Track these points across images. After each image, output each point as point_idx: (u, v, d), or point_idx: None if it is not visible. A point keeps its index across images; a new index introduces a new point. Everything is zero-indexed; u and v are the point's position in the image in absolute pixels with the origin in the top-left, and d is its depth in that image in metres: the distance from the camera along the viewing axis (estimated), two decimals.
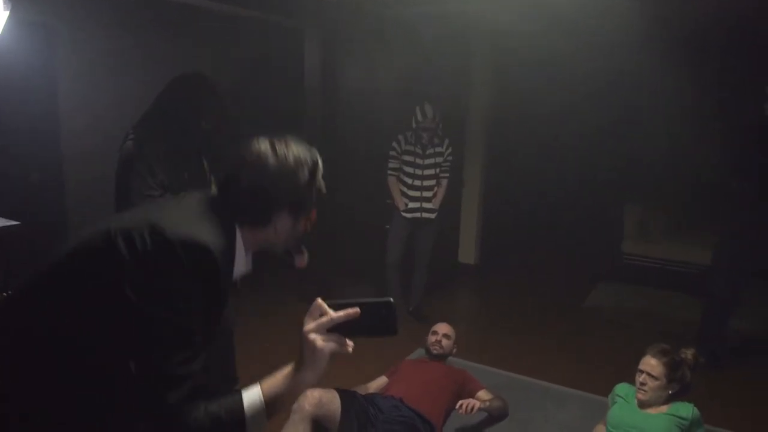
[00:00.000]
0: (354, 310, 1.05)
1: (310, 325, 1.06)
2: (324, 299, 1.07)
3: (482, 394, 2.89)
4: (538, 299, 4.96)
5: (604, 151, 6.03)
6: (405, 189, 4.10)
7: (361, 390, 2.78)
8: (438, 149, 4.09)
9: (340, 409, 2.42)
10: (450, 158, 4.16)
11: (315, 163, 1.27)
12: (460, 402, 2.62)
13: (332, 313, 1.05)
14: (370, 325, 1.06)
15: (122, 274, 1.04)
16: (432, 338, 3.08)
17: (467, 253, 5.46)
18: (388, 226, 4.31)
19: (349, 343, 1.08)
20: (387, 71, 4.90)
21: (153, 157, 2.41)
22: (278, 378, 1.10)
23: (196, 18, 4.37)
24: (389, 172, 4.14)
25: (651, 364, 2.43)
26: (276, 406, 1.08)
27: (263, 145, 1.21)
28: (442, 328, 3.12)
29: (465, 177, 5.23)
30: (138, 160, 2.40)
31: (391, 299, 1.06)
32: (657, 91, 5.44)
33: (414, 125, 4.02)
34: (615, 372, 3.27)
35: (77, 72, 3.96)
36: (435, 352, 3.03)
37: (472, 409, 2.59)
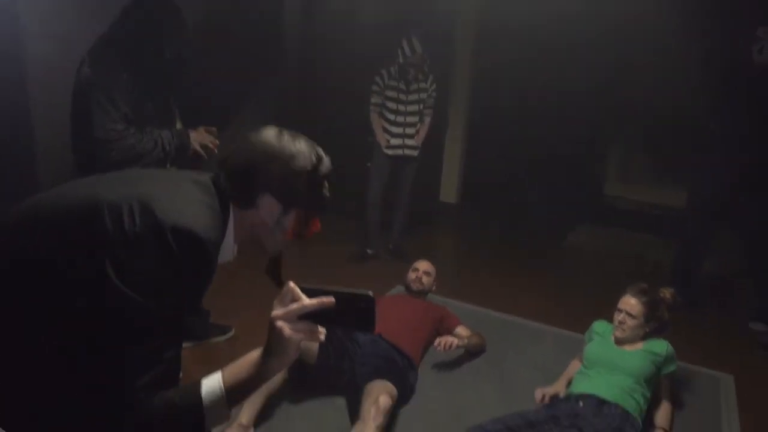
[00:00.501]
0: (329, 300, 0.98)
1: (278, 311, 0.99)
2: (297, 284, 0.99)
3: (460, 330, 2.91)
4: (518, 239, 4.98)
5: (588, 93, 5.93)
6: (387, 125, 4.00)
7: None
8: (422, 85, 3.96)
9: (317, 344, 2.41)
10: (434, 95, 4.05)
11: (319, 160, 1.22)
12: (438, 339, 2.63)
13: (305, 300, 0.98)
14: (346, 317, 0.98)
15: (104, 250, 0.98)
16: (412, 275, 3.07)
17: (448, 192, 5.42)
18: (369, 164, 4.22)
19: (321, 330, 1.01)
20: (369, 4, 4.68)
21: (114, 87, 2.23)
22: (242, 365, 1.04)
23: None
24: (371, 107, 4.02)
25: (630, 303, 2.46)
26: (238, 394, 1.03)
27: (270, 131, 1.20)
28: (423, 265, 3.11)
29: (449, 116, 5.12)
30: (98, 89, 2.22)
31: (371, 293, 0.97)
32: (641, 35, 5.31)
33: (401, 60, 3.86)
34: (590, 310, 3.31)
35: None
36: (415, 288, 3.03)
37: (451, 346, 2.60)
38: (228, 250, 1.18)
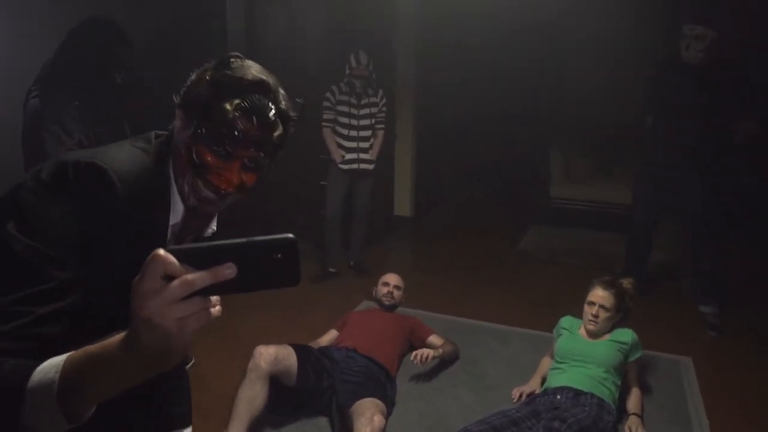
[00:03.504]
0: (225, 271, 0.61)
1: (145, 295, 0.60)
2: (172, 248, 0.62)
3: (433, 339, 2.94)
4: (473, 245, 5.08)
5: (530, 97, 6.18)
6: (341, 140, 4.02)
7: (313, 345, 2.75)
8: (373, 99, 4.01)
9: (296, 364, 2.39)
10: (384, 109, 4.10)
11: (225, 62, 1.02)
12: (414, 353, 2.66)
13: (188, 276, 0.60)
14: (255, 277, 0.64)
15: (15, 199, 0.89)
16: (383, 289, 3.08)
17: (402, 206, 5.48)
18: (323, 183, 4.22)
19: (214, 305, 0.64)
20: (315, 21, 4.72)
21: (65, 114, 2.18)
22: (99, 354, 0.66)
23: None
24: (324, 123, 4.03)
25: (602, 296, 2.54)
26: (78, 392, 0.66)
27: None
28: (393, 278, 3.13)
29: (397, 130, 5.20)
30: (49, 118, 2.16)
31: (291, 235, 0.65)
32: (577, 37, 5.59)
33: (347, 71, 3.92)
34: (550, 308, 3.44)
35: None
36: (387, 303, 3.04)
37: (427, 358, 2.63)
38: (177, 209, 1.04)
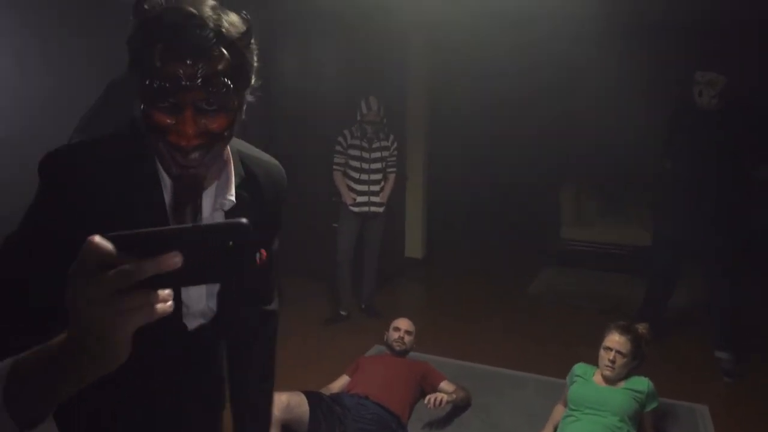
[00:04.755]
0: (171, 259, 0.53)
1: (83, 287, 0.53)
2: (110, 234, 0.54)
3: (444, 385, 2.91)
4: (484, 287, 5.06)
5: (540, 139, 6.23)
6: (352, 183, 4.08)
7: (325, 391, 2.74)
8: (384, 143, 4.09)
9: (308, 412, 2.38)
10: (396, 153, 4.17)
11: None
12: (428, 397, 2.63)
13: (126, 266, 0.52)
14: (208, 265, 0.56)
15: None
16: (394, 334, 3.07)
17: (414, 247, 5.50)
18: (335, 224, 4.27)
19: (164, 300, 0.56)
20: (327, 67, 4.84)
21: None
22: (42, 351, 0.59)
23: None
24: (335, 167, 4.10)
25: (619, 341, 2.51)
26: (30, 392, 0.59)
27: None
28: (404, 323, 3.12)
29: (408, 171, 5.26)
30: None
31: (244, 220, 0.57)
32: (590, 80, 5.66)
33: (358, 118, 4.01)
34: (564, 352, 3.40)
35: None
36: (398, 348, 3.03)
37: (441, 402, 2.61)
38: (167, 185, 0.99)
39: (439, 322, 4.21)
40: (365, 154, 4.05)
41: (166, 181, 0.98)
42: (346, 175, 4.09)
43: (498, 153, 6.42)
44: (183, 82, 0.85)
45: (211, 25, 0.86)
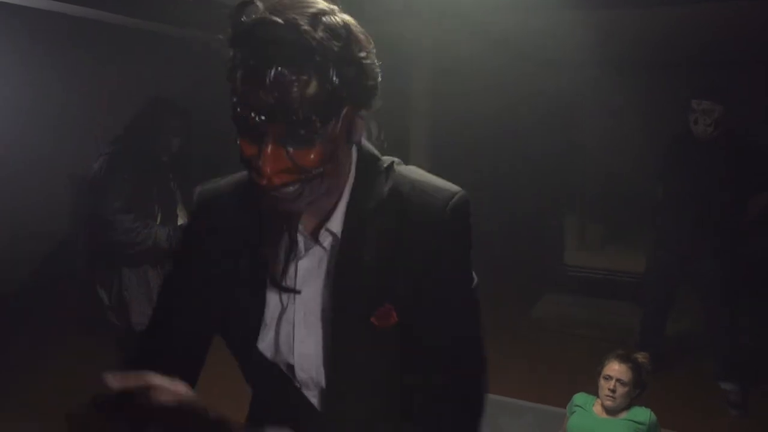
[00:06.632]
0: None
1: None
2: None
3: None
4: (485, 313, 4.95)
5: (542, 167, 6.20)
6: None
7: None
8: None
9: None
10: None
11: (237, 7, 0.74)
12: None
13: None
14: None
15: None
16: None
17: None
18: None
19: None
20: None
21: (122, 184, 2.56)
22: None
23: (135, 40, 4.19)
24: None
25: (619, 370, 2.43)
26: None
27: None
28: None
29: None
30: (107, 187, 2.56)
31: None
32: (592, 108, 5.66)
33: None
34: (565, 380, 3.30)
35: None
36: None
37: None
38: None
39: None
40: None
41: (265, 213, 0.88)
42: None
43: (502, 178, 6.38)
44: (261, 116, 0.72)
45: (305, 41, 0.71)
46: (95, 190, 2.58)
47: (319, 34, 0.71)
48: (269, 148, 0.73)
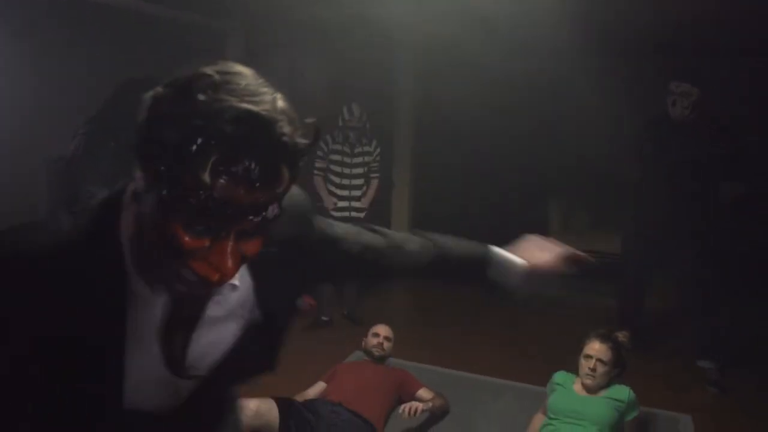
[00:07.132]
0: None
1: None
2: None
3: (422, 392, 2.85)
4: (468, 295, 4.99)
5: (528, 150, 6.22)
6: (333, 188, 4.04)
7: (300, 398, 2.67)
8: (366, 149, 4.06)
9: (278, 418, 2.30)
10: (378, 158, 4.14)
11: (194, 82, 0.65)
12: (402, 407, 2.58)
13: None
14: None
15: None
16: (374, 340, 3.01)
17: None
18: None
19: None
20: (311, 73, 4.81)
21: (102, 157, 2.52)
22: None
23: (114, 19, 4.10)
24: (315, 172, 4.06)
25: (599, 349, 2.46)
26: None
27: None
28: (383, 330, 3.07)
29: (394, 179, 5.22)
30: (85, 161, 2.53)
31: None
32: (572, 93, 5.67)
33: (340, 123, 3.98)
34: (546, 360, 3.34)
35: None
36: (377, 354, 2.98)
37: (415, 412, 2.55)
38: (143, 296, 0.75)
39: (420, 329, 4.15)
40: (347, 159, 4.01)
41: (142, 293, 0.74)
42: (326, 179, 4.05)
43: (485, 162, 6.39)
44: (234, 210, 0.65)
45: (280, 133, 0.66)
46: (72, 171, 2.57)
47: (288, 127, 0.67)
48: (230, 243, 0.67)
